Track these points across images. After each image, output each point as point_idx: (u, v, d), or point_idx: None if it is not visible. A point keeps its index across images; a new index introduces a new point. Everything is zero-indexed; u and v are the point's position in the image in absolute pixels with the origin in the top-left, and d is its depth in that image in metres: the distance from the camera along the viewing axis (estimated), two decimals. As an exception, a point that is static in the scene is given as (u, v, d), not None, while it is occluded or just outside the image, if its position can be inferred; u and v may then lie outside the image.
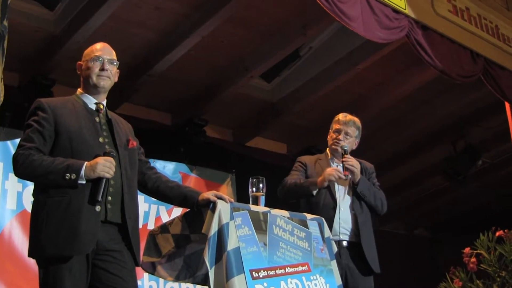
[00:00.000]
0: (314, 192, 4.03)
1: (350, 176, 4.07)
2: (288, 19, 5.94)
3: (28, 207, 5.68)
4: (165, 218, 6.38)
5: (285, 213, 3.28)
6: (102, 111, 3.17)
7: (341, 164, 4.15)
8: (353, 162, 4.06)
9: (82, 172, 2.83)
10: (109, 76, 3.21)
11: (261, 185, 3.39)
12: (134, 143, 3.24)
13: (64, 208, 2.84)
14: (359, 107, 7.34)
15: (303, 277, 3.11)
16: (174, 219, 3.21)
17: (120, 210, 2.99)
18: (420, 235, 11.04)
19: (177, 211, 6.48)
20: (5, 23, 2.76)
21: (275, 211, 3.23)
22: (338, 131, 4.22)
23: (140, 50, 6.18)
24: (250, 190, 3.40)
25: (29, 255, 2.94)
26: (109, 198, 2.96)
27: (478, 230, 5.36)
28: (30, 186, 5.72)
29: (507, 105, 6.52)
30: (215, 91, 6.85)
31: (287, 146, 8.36)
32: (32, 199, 3.06)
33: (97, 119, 3.12)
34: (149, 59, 6.20)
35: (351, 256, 3.97)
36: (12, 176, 5.68)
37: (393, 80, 7.15)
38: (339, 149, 4.17)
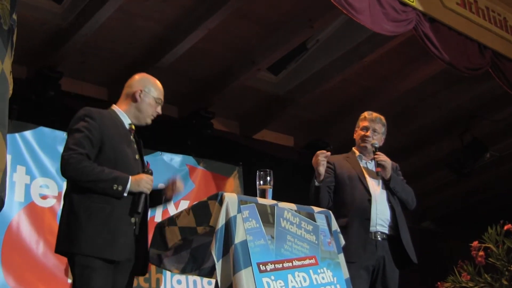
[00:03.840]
0: (317, 183, 4.07)
1: (381, 172, 4.16)
2: (295, 11, 5.92)
3: (36, 200, 5.70)
4: (172, 211, 6.39)
5: (293, 206, 3.28)
6: (133, 132, 3.41)
7: (369, 161, 4.30)
8: (385, 158, 4.17)
9: (128, 185, 3.08)
10: None
11: (268, 178, 3.39)
12: (148, 164, 3.43)
13: (107, 215, 3.05)
14: (366, 100, 7.34)
15: (311, 270, 3.12)
16: (181, 211, 3.22)
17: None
18: (427, 228, 11.01)
19: (184, 204, 6.49)
20: (14, 16, 2.77)
21: (283, 204, 3.23)
22: (366, 128, 4.33)
23: (147, 43, 6.18)
24: (257, 183, 3.41)
25: (60, 251, 3.14)
26: None
27: (486, 224, 5.35)
28: (39, 178, 5.77)
29: (515, 97, 6.50)
30: (222, 84, 6.85)
31: (294, 139, 8.34)
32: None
33: (131, 137, 3.38)
34: (156, 52, 6.20)
35: (388, 248, 4.06)
36: (20, 168, 5.70)
37: (400, 73, 7.12)
38: (369, 146, 4.28)
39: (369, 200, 4.09)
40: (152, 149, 6.61)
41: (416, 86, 7.28)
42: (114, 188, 3.04)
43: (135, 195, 3.13)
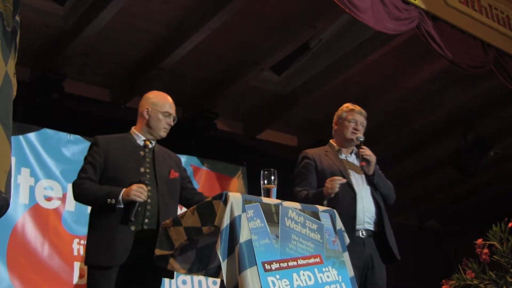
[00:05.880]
0: (325, 202, 3.91)
1: (365, 167, 4.03)
2: (297, 11, 5.92)
3: (41, 201, 5.73)
4: (178, 211, 6.40)
5: (297, 205, 3.27)
6: (149, 147, 3.73)
7: (349, 155, 4.21)
8: (371, 153, 4.05)
9: (120, 197, 3.40)
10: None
11: (272, 178, 3.38)
12: (176, 174, 3.78)
13: (105, 227, 3.44)
14: (369, 99, 7.34)
15: (315, 269, 3.11)
16: (186, 212, 3.22)
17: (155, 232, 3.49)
18: (431, 226, 11.01)
19: (189, 205, 6.49)
20: (17, 18, 2.77)
21: (287, 203, 3.23)
22: (355, 122, 4.22)
23: (149, 44, 6.18)
24: (261, 182, 3.40)
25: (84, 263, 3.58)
26: (146, 220, 3.50)
27: (490, 221, 5.34)
28: (43, 180, 5.80)
29: (518, 95, 6.50)
30: (225, 84, 6.85)
31: (298, 139, 8.35)
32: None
33: (141, 153, 3.69)
34: (159, 53, 6.20)
35: (374, 245, 3.95)
36: (24, 170, 5.71)
37: (403, 72, 7.12)
38: (355, 140, 4.16)
39: (353, 198, 3.97)
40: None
41: (419, 84, 7.28)
42: (108, 202, 3.39)
43: (128, 205, 3.41)
